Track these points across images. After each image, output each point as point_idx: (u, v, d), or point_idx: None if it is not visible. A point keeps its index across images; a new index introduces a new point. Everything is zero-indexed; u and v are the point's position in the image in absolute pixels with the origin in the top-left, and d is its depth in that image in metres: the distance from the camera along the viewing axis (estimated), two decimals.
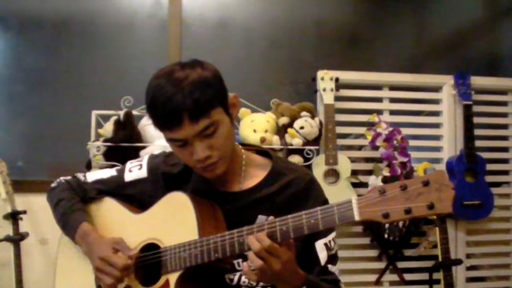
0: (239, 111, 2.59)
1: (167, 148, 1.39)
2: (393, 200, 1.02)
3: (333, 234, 1.37)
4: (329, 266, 1.35)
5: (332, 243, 1.36)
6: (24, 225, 2.52)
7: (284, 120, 2.65)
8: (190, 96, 1.17)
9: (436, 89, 2.97)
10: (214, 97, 1.21)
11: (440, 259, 2.51)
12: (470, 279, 2.94)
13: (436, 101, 2.98)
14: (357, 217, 1.06)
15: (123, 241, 1.37)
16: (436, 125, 2.98)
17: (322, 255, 1.34)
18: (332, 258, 1.36)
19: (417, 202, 1.00)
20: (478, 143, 2.82)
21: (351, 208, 1.06)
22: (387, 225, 2.68)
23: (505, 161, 3.02)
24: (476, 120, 2.83)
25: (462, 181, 2.75)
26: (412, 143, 2.79)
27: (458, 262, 2.58)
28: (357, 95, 2.88)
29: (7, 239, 2.43)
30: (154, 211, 1.40)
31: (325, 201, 1.35)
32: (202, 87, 1.19)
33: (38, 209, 2.64)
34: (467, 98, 2.82)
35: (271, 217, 1.17)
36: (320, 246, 1.34)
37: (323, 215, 1.10)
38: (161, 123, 1.23)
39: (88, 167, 2.52)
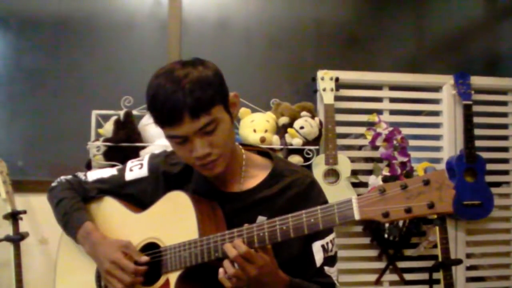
0: (239, 110, 2.59)
1: (167, 147, 1.39)
2: (393, 199, 1.02)
3: (331, 236, 1.37)
4: (326, 268, 1.35)
5: (330, 245, 1.36)
6: (24, 225, 2.52)
7: (284, 120, 2.65)
8: (190, 94, 1.17)
9: (436, 89, 2.97)
10: (214, 95, 1.21)
11: (440, 259, 2.51)
12: (470, 279, 2.94)
13: (436, 101, 2.98)
14: (357, 216, 1.06)
15: (131, 245, 1.37)
16: (436, 125, 2.98)
17: (318, 257, 1.34)
18: (330, 260, 1.35)
19: (417, 201, 1.00)
20: (478, 143, 2.81)
21: (351, 207, 1.07)
22: (386, 225, 2.68)
23: (505, 161, 3.02)
24: (476, 120, 2.83)
25: (462, 181, 2.75)
26: (412, 143, 2.79)
27: (458, 262, 2.58)
28: (357, 95, 2.88)
29: (7, 239, 2.43)
30: (154, 210, 1.40)
31: (326, 203, 1.34)
32: (203, 85, 1.19)
33: (38, 209, 2.64)
34: (467, 98, 2.82)
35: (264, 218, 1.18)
36: (317, 247, 1.34)
37: (323, 214, 1.10)
38: (162, 120, 1.22)
39: (88, 167, 2.52)
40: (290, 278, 1.25)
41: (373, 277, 2.83)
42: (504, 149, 3.02)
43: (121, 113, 2.52)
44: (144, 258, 1.33)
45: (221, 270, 1.17)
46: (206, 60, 1.28)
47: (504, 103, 3.03)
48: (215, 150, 1.24)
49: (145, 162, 1.49)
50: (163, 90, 1.19)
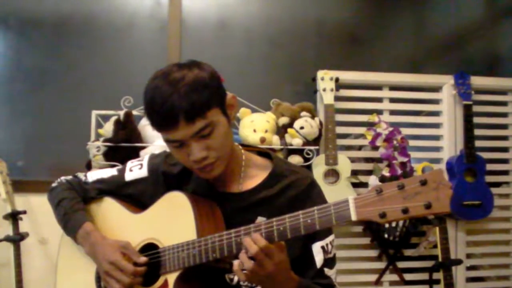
0: (239, 111, 2.59)
1: (167, 148, 1.40)
2: (390, 200, 1.02)
3: (331, 237, 1.36)
4: (325, 269, 1.34)
5: (330, 246, 1.35)
6: (24, 225, 2.52)
7: (284, 120, 2.65)
8: (186, 97, 1.17)
9: (436, 89, 2.97)
10: (210, 98, 1.21)
11: (440, 259, 2.51)
12: (470, 279, 2.94)
13: (436, 101, 2.98)
14: (353, 217, 1.05)
15: (130, 245, 1.37)
16: (436, 125, 2.98)
17: (318, 258, 1.33)
18: (329, 262, 1.35)
19: (414, 201, 0.99)
20: (478, 143, 2.81)
21: (348, 208, 1.06)
22: (386, 225, 2.69)
23: (505, 161, 3.02)
24: (476, 120, 2.83)
25: (462, 181, 2.75)
26: (412, 143, 2.79)
27: (458, 262, 2.58)
28: (357, 95, 2.88)
29: (7, 239, 2.43)
30: (153, 211, 1.40)
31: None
32: (199, 88, 1.19)
33: (38, 209, 2.65)
34: (467, 98, 2.82)
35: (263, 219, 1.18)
36: (317, 248, 1.33)
37: (320, 214, 1.10)
38: (158, 124, 1.23)
39: (88, 167, 2.52)
40: (299, 278, 1.25)
41: (373, 277, 2.83)
42: (504, 149, 3.02)
43: (121, 113, 2.53)
44: (143, 259, 1.33)
45: (236, 262, 1.16)
46: (203, 62, 1.28)
47: (504, 103, 3.02)
48: (212, 154, 1.24)
49: (145, 162, 1.49)
50: (159, 93, 1.19)
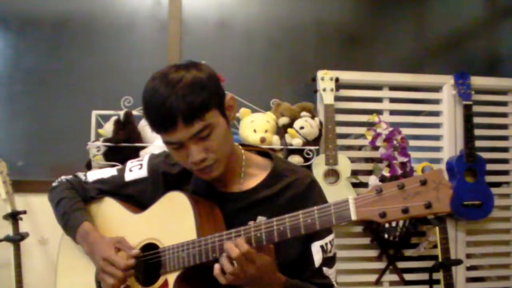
0: (239, 111, 2.59)
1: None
2: (390, 200, 1.02)
3: (330, 237, 1.36)
4: (324, 269, 1.34)
5: (329, 245, 1.35)
6: (24, 225, 2.52)
7: (284, 120, 2.65)
8: (184, 99, 1.17)
9: (436, 89, 2.97)
10: (208, 99, 1.20)
11: (440, 259, 2.51)
12: (470, 279, 2.94)
13: (436, 101, 2.98)
14: (353, 217, 1.05)
15: (124, 240, 1.37)
16: (436, 125, 2.98)
17: (317, 257, 1.33)
18: (328, 261, 1.35)
19: (414, 201, 0.99)
20: (478, 143, 2.82)
21: (348, 207, 1.06)
22: (386, 225, 2.69)
23: (505, 161, 3.02)
24: (476, 120, 2.82)
25: (462, 181, 2.75)
26: (412, 143, 2.79)
27: (458, 262, 2.58)
28: (357, 95, 2.88)
29: (7, 239, 2.43)
30: (153, 211, 1.40)
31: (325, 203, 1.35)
32: (196, 89, 1.19)
33: (38, 209, 2.64)
34: (467, 98, 2.82)
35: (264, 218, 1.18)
36: (316, 248, 1.33)
37: (320, 214, 1.10)
38: (156, 126, 1.23)
39: (88, 167, 2.52)
40: (286, 278, 1.25)
41: (373, 277, 2.83)
42: (504, 150, 3.02)
43: (121, 113, 2.53)
44: (135, 252, 1.33)
45: (217, 266, 1.17)
46: (201, 63, 1.28)
47: (504, 103, 3.02)
48: (211, 155, 1.24)
49: (145, 162, 1.49)
50: (157, 95, 1.19)
